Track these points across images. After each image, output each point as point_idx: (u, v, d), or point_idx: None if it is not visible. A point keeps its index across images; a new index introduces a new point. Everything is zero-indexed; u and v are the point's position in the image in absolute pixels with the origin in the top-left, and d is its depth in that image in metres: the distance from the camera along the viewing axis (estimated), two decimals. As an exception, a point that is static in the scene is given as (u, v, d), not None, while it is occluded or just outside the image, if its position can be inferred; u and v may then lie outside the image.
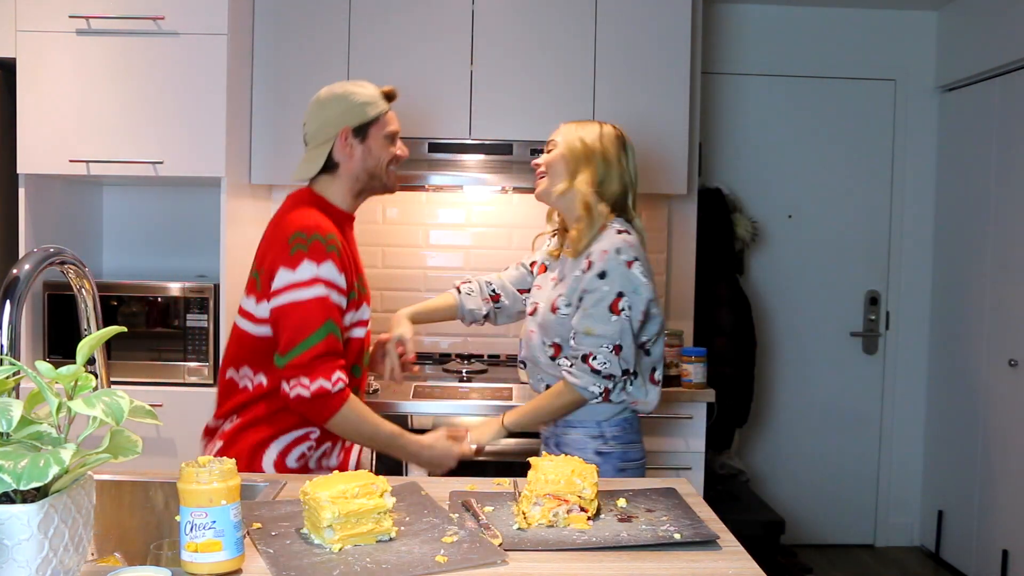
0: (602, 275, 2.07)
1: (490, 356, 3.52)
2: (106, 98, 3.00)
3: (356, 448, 2.16)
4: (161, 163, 3.00)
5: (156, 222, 3.53)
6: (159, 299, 3.05)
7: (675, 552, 1.43)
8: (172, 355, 3.04)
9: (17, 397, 1.21)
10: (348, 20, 3.25)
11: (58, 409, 1.13)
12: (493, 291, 2.42)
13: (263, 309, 1.96)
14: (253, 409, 2.01)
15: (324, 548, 1.39)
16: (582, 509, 1.55)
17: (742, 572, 1.36)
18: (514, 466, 2.31)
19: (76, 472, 1.15)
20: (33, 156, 3.00)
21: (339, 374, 1.91)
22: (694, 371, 3.17)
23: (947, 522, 4.05)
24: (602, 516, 1.59)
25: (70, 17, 2.96)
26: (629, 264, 2.07)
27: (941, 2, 4.06)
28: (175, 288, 3.05)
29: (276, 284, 1.91)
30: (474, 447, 2.12)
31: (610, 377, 2.07)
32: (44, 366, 1.15)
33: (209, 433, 2.10)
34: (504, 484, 1.78)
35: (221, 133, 3.01)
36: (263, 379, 1.99)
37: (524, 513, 1.54)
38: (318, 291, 1.90)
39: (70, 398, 1.16)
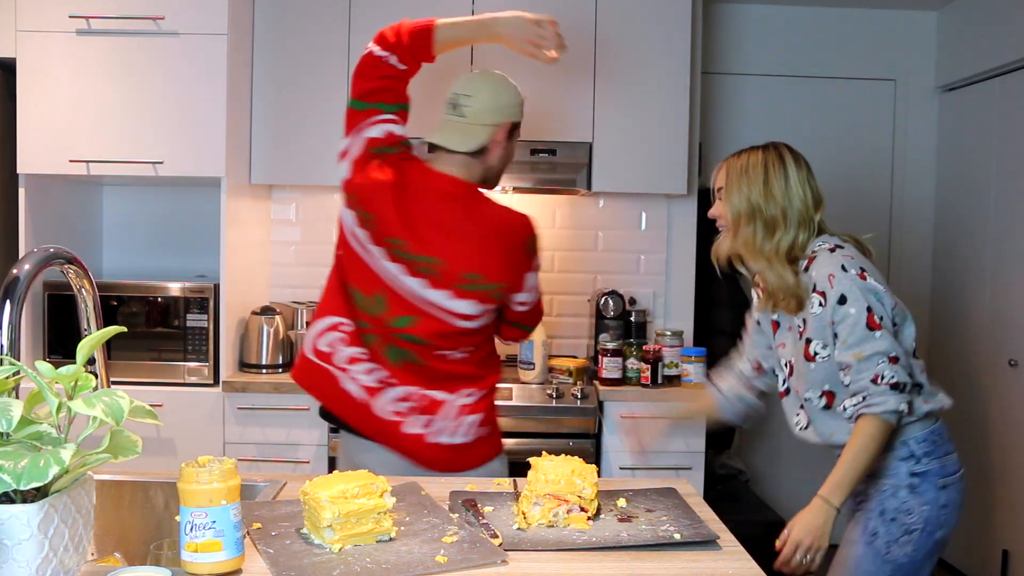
0: (842, 300, 1.88)
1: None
2: (106, 98, 3.00)
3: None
4: (161, 163, 3.00)
5: (156, 222, 3.54)
6: (159, 299, 3.05)
7: (675, 552, 1.43)
8: (172, 355, 3.04)
9: (17, 397, 1.21)
10: (348, 20, 3.25)
11: (58, 409, 1.13)
12: (753, 366, 2.22)
13: (474, 307, 1.99)
14: None
15: (324, 548, 1.39)
16: (582, 509, 1.55)
17: (742, 572, 1.36)
18: (514, 466, 2.31)
19: (76, 472, 1.15)
20: (33, 156, 3.00)
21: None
22: (694, 371, 3.18)
23: (947, 522, 4.04)
24: (602, 516, 1.59)
25: (70, 17, 2.96)
26: (862, 276, 1.91)
27: (941, 2, 4.06)
28: (175, 288, 3.05)
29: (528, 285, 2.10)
30: None
31: (906, 388, 1.88)
32: (44, 366, 1.15)
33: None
34: (504, 484, 1.79)
35: (221, 133, 3.01)
36: None
37: (524, 513, 1.54)
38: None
39: (70, 398, 1.16)
